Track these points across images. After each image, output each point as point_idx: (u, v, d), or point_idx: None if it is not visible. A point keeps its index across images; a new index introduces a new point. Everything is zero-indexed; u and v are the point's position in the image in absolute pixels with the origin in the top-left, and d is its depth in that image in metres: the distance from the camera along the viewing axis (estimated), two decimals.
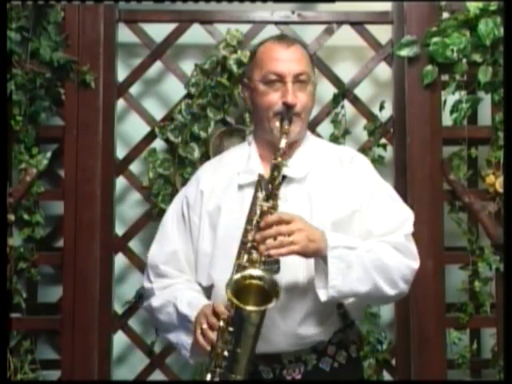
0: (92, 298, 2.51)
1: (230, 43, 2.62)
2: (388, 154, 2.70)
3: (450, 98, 2.57)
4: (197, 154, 2.62)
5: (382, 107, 2.67)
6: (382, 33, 2.70)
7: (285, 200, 1.79)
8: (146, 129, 2.72)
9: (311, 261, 1.73)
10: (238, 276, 1.67)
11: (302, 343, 1.79)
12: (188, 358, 1.82)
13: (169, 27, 2.70)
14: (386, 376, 2.66)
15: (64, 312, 2.51)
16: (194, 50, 2.84)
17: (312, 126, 2.69)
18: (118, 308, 2.69)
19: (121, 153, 2.72)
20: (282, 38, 1.95)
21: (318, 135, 2.68)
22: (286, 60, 1.85)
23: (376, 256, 1.75)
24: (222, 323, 1.67)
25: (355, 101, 2.71)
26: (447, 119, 2.57)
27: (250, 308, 1.63)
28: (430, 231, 2.52)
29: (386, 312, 2.72)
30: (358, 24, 2.70)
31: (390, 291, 1.77)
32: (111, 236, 2.64)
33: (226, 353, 1.66)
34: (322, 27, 2.72)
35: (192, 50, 2.84)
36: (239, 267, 1.69)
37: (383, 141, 2.70)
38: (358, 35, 2.71)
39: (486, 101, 2.59)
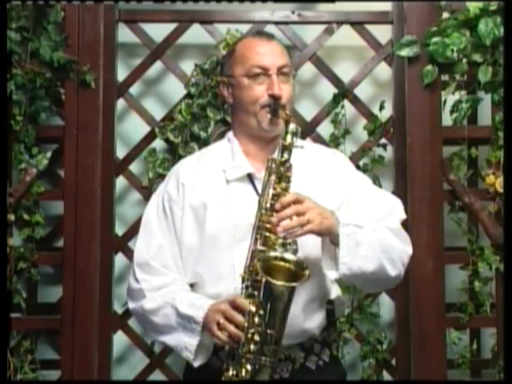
0: (92, 298, 2.51)
1: (230, 43, 2.62)
2: (388, 153, 2.70)
3: (450, 97, 2.57)
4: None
5: (382, 107, 2.67)
6: (382, 33, 2.69)
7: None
8: (146, 129, 2.72)
9: (307, 248, 1.74)
10: (270, 254, 1.67)
11: (294, 336, 1.77)
12: (191, 360, 1.79)
13: (169, 27, 2.69)
14: (386, 376, 2.66)
15: (64, 312, 2.51)
16: (194, 50, 2.84)
17: (312, 126, 2.70)
18: (118, 308, 2.69)
19: (121, 153, 2.72)
20: (260, 34, 1.98)
21: (318, 135, 2.69)
22: (269, 53, 1.87)
23: (381, 236, 1.77)
24: (252, 307, 1.66)
25: (355, 101, 2.71)
26: (447, 119, 2.57)
27: (282, 283, 1.63)
28: (429, 231, 2.52)
29: (386, 312, 2.73)
30: (357, 24, 2.70)
31: (392, 272, 1.79)
32: (111, 236, 2.64)
33: (256, 337, 1.65)
34: (322, 27, 2.71)
35: (192, 50, 2.84)
36: (254, 253, 1.70)
37: (383, 141, 2.70)
38: (358, 35, 2.71)
39: (486, 101, 2.59)
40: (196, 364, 1.80)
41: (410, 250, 1.87)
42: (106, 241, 2.58)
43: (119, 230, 2.71)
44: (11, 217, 2.49)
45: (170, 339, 1.82)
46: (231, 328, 1.67)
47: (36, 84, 2.50)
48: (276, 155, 1.77)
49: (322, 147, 2.07)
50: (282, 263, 1.68)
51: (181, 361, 2.57)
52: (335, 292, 1.89)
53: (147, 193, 2.66)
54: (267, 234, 1.70)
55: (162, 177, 2.62)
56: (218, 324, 1.69)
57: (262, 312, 1.66)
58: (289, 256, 1.69)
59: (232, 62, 1.92)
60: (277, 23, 2.69)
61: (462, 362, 2.55)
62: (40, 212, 2.57)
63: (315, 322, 1.82)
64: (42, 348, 2.71)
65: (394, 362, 2.65)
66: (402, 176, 2.59)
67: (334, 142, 2.66)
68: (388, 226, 1.82)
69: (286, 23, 2.70)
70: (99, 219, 2.54)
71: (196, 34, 2.71)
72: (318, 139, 2.65)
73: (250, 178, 1.87)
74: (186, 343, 1.78)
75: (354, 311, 2.62)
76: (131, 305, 1.91)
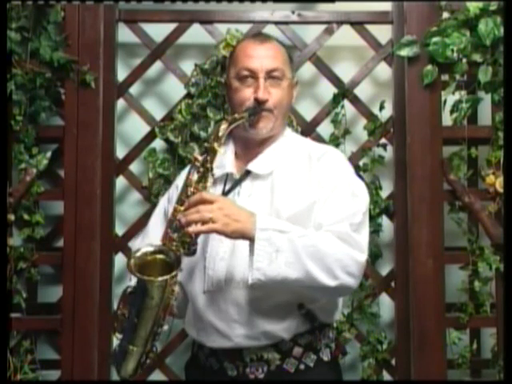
0: (92, 298, 2.51)
1: (230, 43, 2.62)
2: (388, 154, 2.70)
3: (450, 97, 2.57)
4: (196, 154, 2.62)
5: (382, 107, 2.67)
6: (382, 33, 2.69)
7: (248, 195, 1.83)
8: (146, 129, 2.72)
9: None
10: (141, 251, 1.72)
11: (257, 338, 1.78)
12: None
13: (169, 27, 2.70)
14: (386, 376, 2.66)
15: (64, 312, 2.51)
16: (194, 50, 2.84)
17: (312, 126, 2.70)
18: None
19: (121, 153, 2.72)
20: (257, 35, 2.00)
21: (318, 135, 2.69)
22: (259, 56, 1.87)
23: (310, 242, 1.70)
24: (129, 289, 1.77)
25: (355, 101, 2.71)
26: (447, 119, 2.57)
27: (146, 278, 1.67)
28: (429, 231, 2.52)
29: (386, 312, 2.73)
30: (358, 24, 2.70)
31: (328, 281, 1.70)
32: (111, 236, 2.64)
33: (124, 323, 1.76)
34: (322, 27, 2.71)
35: (192, 50, 2.85)
36: (164, 246, 1.74)
37: (383, 141, 2.70)
38: (358, 35, 2.71)
39: (486, 101, 2.59)
40: None
41: (360, 256, 1.74)
42: (106, 241, 2.58)
43: (119, 230, 2.71)
44: (11, 217, 2.49)
45: None
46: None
47: (36, 84, 2.50)
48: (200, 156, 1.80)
49: (317, 146, 1.99)
50: (158, 257, 1.72)
51: (181, 361, 2.57)
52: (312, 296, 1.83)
53: (147, 193, 2.67)
54: (175, 229, 1.73)
55: (161, 177, 2.63)
56: None
57: (132, 302, 1.74)
58: (159, 249, 1.72)
59: (229, 63, 1.95)
60: (277, 23, 2.69)
61: (462, 362, 2.55)
62: (40, 212, 2.56)
63: (282, 324, 1.80)
64: (42, 348, 2.71)
65: (393, 361, 2.65)
66: (402, 176, 2.59)
67: (334, 141, 2.66)
68: (336, 231, 1.74)
69: (286, 23, 2.70)
70: (99, 219, 2.54)
71: (196, 33, 2.71)
72: (318, 139, 2.64)
73: (227, 178, 1.90)
74: None
75: (354, 311, 2.62)
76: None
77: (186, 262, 1.78)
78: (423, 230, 2.52)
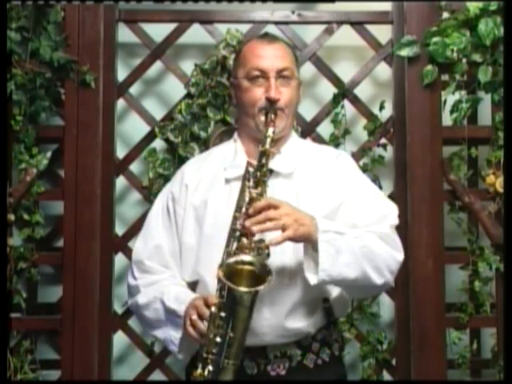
0: (92, 298, 2.51)
1: (230, 43, 2.62)
2: (388, 154, 2.70)
3: (450, 97, 2.57)
4: (197, 153, 2.62)
5: (382, 107, 2.67)
6: (382, 33, 2.69)
7: (271, 194, 1.81)
8: (146, 129, 2.72)
9: (298, 249, 1.75)
10: (230, 260, 1.68)
11: (288, 335, 1.80)
12: (176, 354, 1.84)
13: (169, 27, 2.69)
14: (386, 376, 2.66)
15: (64, 312, 2.51)
16: (194, 50, 2.84)
17: (312, 126, 2.70)
18: (118, 308, 2.69)
19: (121, 153, 2.72)
20: (264, 36, 1.99)
21: (318, 135, 2.69)
22: (269, 56, 1.88)
23: (364, 243, 1.76)
24: (213, 309, 1.68)
25: (355, 101, 2.71)
26: (447, 119, 2.57)
27: (242, 289, 1.64)
28: (429, 231, 2.52)
29: (386, 312, 2.73)
30: (358, 24, 2.70)
31: (377, 280, 1.77)
32: (111, 236, 2.64)
33: (218, 339, 1.67)
34: (322, 27, 2.71)
35: (192, 50, 2.85)
36: (229, 255, 1.71)
37: (383, 141, 2.70)
38: (358, 35, 2.71)
39: (486, 101, 2.59)
40: (180, 357, 1.85)
41: (399, 256, 1.83)
42: (105, 241, 2.58)
43: (119, 230, 2.71)
44: (11, 217, 2.49)
45: (159, 333, 1.87)
46: (201, 325, 1.70)
47: (36, 84, 2.50)
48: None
49: (328, 148, 2.05)
50: (245, 267, 1.69)
51: (181, 361, 2.57)
52: (336, 291, 1.87)
53: (147, 193, 2.67)
54: (241, 237, 1.71)
55: (162, 177, 2.63)
56: (191, 320, 1.72)
57: (223, 314, 1.68)
58: (252, 260, 1.69)
59: (236, 64, 1.95)
60: (277, 23, 2.69)
61: (462, 362, 2.55)
62: (40, 212, 2.56)
63: (310, 320, 1.82)
64: (42, 348, 2.71)
65: (394, 362, 2.65)
66: (402, 176, 2.59)
67: (334, 141, 2.66)
68: (377, 232, 1.80)
69: (286, 23, 2.70)
70: (99, 219, 2.54)
71: (196, 33, 2.71)
72: (318, 139, 2.64)
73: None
74: (172, 336, 1.82)
75: (354, 311, 2.62)
76: (129, 301, 1.97)
77: (209, 258, 1.78)
78: (423, 230, 2.52)
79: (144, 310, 1.89)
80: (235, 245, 1.72)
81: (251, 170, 1.77)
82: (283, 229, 1.67)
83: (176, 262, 1.90)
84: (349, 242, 1.74)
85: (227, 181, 1.88)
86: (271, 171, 1.84)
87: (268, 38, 1.96)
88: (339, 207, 1.85)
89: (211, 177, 1.92)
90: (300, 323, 1.80)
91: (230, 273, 1.67)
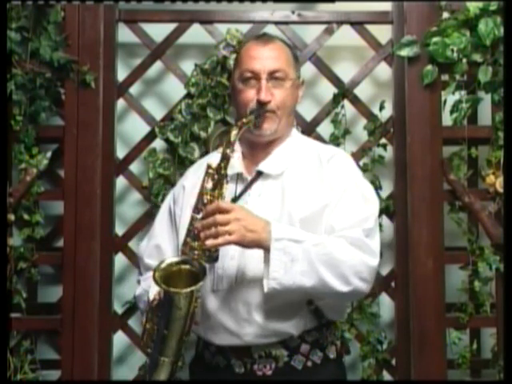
0: (92, 298, 2.51)
1: (230, 43, 2.62)
2: (388, 153, 2.70)
3: (450, 97, 2.57)
4: (197, 153, 2.63)
5: (382, 107, 2.67)
6: (382, 33, 2.69)
7: (258, 194, 1.84)
8: (146, 129, 2.72)
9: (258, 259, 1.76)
10: (166, 262, 1.73)
11: (267, 335, 1.80)
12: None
13: (169, 27, 2.69)
14: (386, 376, 2.66)
15: (64, 312, 2.51)
16: (194, 50, 2.84)
17: (312, 126, 2.70)
18: (118, 308, 2.69)
19: (121, 153, 2.72)
20: (261, 37, 1.99)
21: (318, 135, 2.69)
22: (261, 57, 1.88)
23: (325, 250, 1.73)
24: (149, 306, 1.77)
25: (355, 101, 2.71)
26: (447, 119, 2.57)
27: (172, 290, 1.68)
28: (429, 231, 2.52)
29: (386, 312, 2.73)
30: (358, 24, 2.70)
31: (342, 287, 1.74)
32: (111, 236, 2.64)
33: (154, 336, 1.74)
34: (322, 27, 2.71)
35: (192, 50, 2.85)
36: (183, 254, 1.76)
37: (383, 141, 2.70)
38: (358, 35, 2.71)
39: (486, 101, 2.59)
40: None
41: (372, 261, 1.78)
42: (105, 241, 2.58)
43: (119, 230, 2.71)
44: (11, 217, 2.49)
45: (148, 324, 1.89)
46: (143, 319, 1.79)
47: (36, 84, 2.50)
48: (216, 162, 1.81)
49: (325, 148, 2.01)
50: (183, 267, 1.73)
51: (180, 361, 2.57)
52: None
53: (147, 193, 2.67)
54: (195, 238, 1.74)
55: (162, 177, 2.63)
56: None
57: (159, 314, 1.74)
58: (188, 259, 1.73)
59: (234, 65, 1.97)
60: (277, 23, 2.69)
61: (462, 362, 2.55)
62: (40, 212, 2.56)
63: (291, 321, 1.81)
64: (42, 348, 2.70)
65: (394, 362, 2.65)
66: (402, 176, 2.59)
67: (334, 141, 2.66)
68: (349, 236, 1.77)
69: (286, 23, 2.70)
70: (99, 219, 2.54)
71: (196, 33, 2.71)
72: (318, 139, 2.63)
73: (238, 178, 1.90)
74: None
75: (354, 311, 2.62)
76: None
77: None
78: (423, 230, 2.52)
79: (138, 302, 1.99)
80: (188, 246, 1.76)
81: (211, 171, 1.78)
82: (229, 234, 1.67)
83: None
84: (306, 250, 1.71)
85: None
86: (260, 173, 1.87)
87: (264, 38, 1.95)
88: (324, 209, 1.82)
89: None
90: (279, 324, 1.80)
91: (168, 274, 1.71)
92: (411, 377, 2.53)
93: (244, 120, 1.82)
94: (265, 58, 1.87)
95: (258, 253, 1.74)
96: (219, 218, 1.68)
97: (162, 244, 1.97)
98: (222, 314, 1.81)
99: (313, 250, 1.72)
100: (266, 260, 1.72)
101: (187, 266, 1.73)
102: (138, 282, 2.04)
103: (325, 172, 1.88)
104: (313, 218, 1.81)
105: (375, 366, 2.62)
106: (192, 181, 1.96)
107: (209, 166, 1.79)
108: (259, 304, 1.79)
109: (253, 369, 1.82)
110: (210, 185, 1.77)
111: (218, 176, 1.77)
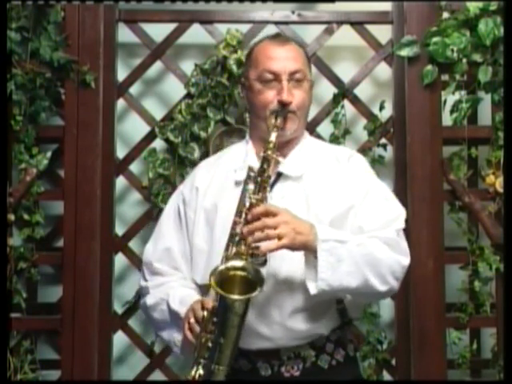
0: (92, 298, 2.51)
1: (230, 43, 2.62)
2: (388, 153, 2.70)
3: (450, 97, 2.57)
4: (197, 153, 2.63)
5: (382, 107, 2.67)
6: (382, 33, 2.70)
7: (281, 197, 1.81)
8: (146, 129, 2.72)
9: (295, 260, 1.73)
10: (222, 267, 1.67)
11: (300, 337, 1.79)
12: (179, 355, 1.86)
13: (169, 27, 2.70)
14: (386, 376, 2.66)
15: (64, 312, 2.51)
16: (194, 50, 2.84)
17: (312, 126, 2.70)
18: (118, 308, 2.69)
19: (121, 153, 2.72)
20: (276, 37, 1.96)
21: (318, 135, 2.69)
22: (281, 58, 1.85)
23: (367, 250, 1.73)
24: (205, 313, 1.68)
25: (355, 101, 2.71)
26: (447, 119, 2.57)
27: (233, 297, 1.64)
28: (430, 231, 2.52)
29: (386, 312, 2.73)
30: (358, 24, 2.70)
31: (381, 287, 1.75)
32: (111, 236, 2.64)
33: (209, 343, 1.67)
34: (322, 27, 2.72)
35: (192, 50, 2.85)
36: (227, 259, 1.70)
37: (383, 141, 2.70)
38: (358, 35, 2.71)
39: (486, 101, 2.59)
40: (184, 357, 1.86)
41: (404, 260, 1.81)
42: (106, 241, 2.58)
43: (119, 230, 2.71)
44: (11, 217, 2.49)
45: (165, 334, 1.88)
46: (197, 329, 1.70)
47: (36, 84, 2.50)
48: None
49: (340, 149, 2.02)
50: (238, 273, 1.67)
51: (181, 361, 2.57)
52: None
53: (147, 193, 2.67)
54: (240, 242, 1.70)
55: (162, 177, 2.63)
56: (189, 323, 1.72)
57: (215, 320, 1.68)
58: (245, 265, 1.67)
59: (248, 65, 1.92)
60: (277, 23, 2.69)
61: (462, 362, 2.55)
62: (40, 212, 2.56)
63: (322, 322, 1.80)
64: (42, 348, 2.71)
65: (394, 362, 2.65)
66: (402, 176, 2.59)
67: (334, 141, 2.66)
68: (383, 237, 1.78)
69: (286, 23, 2.70)
70: (99, 219, 2.54)
71: (196, 33, 2.71)
72: (318, 139, 2.64)
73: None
74: (175, 338, 1.83)
75: None
76: (141, 301, 1.98)
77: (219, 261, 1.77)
78: (423, 230, 2.52)
79: (152, 311, 1.89)
80: (233, 250, 1.71)
81: (252, 174, 1.76)
82: (279, 237, 1.65)
83: (187, 264, 1.90)
84: (350, 250, 1.72)
85: (237, 183, 1.85)
86: (280, 174, 1.84)
87: (280, 38, 1.94)
88: (349, 210, 1.82)
89: (221, 179, 1.90)
90: (312, 325, 1.79)
91: (223, 279, 1.66)
92: (411, 377, 2.53)
93: (278, 123, 1.80)
94: (284, 59, 1.85)
95: (290, 255, 1.72)
96: (268, 221, 1.66)
97: (172, 246, 1.91)
98: (254, 319, 1.77)
99: (356, 250, 1.72)
100: (309, 262, 1.71)
101: (241, 272, 1.67)
102: (144, 289, 1.95)
103: (345, 171, 1.88)
104: (339, 219, 1.80)
105: (375, 366, 2.62)
106: (205, 181, 1.92)
107: (250, 169, 1.77)
108: (291, 307, 1.77)
109: (280, 371, 1.79)
110: (252, 188, 1.74)
111: (261, 179, 1.74)
